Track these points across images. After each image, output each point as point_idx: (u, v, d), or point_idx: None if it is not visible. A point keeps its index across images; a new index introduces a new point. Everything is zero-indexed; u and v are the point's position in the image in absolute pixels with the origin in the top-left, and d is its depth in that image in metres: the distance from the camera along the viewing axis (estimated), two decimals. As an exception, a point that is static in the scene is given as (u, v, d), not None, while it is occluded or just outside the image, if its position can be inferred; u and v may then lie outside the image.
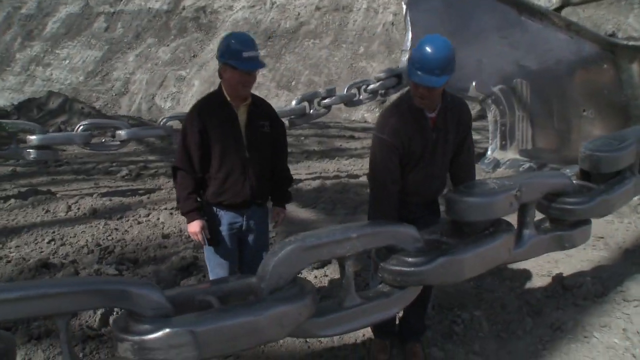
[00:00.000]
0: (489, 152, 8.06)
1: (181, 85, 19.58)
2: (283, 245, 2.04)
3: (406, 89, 2.88)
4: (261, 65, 2.79)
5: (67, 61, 20.80)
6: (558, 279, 3.85)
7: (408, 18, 7.45)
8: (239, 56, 2.70)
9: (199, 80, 19.77)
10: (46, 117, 10.71)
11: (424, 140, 2.68)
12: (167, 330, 1.78)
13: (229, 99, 2.85)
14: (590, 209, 2.82)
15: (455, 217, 2.41)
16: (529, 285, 3.84)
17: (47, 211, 5.28)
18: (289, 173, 3.19)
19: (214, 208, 2.96)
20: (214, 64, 20.67)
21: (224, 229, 2.97)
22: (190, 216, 2.90)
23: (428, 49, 2.49)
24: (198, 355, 1.79)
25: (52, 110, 10.86)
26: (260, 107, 2.98)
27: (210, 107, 2.88)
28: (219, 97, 2.89)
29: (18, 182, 6.52)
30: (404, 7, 7.42)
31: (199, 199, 2.95)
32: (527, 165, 7.46)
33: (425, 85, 2.52)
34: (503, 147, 7.98)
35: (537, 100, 7.94)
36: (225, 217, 2.96)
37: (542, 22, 7.73)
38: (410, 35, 7.32)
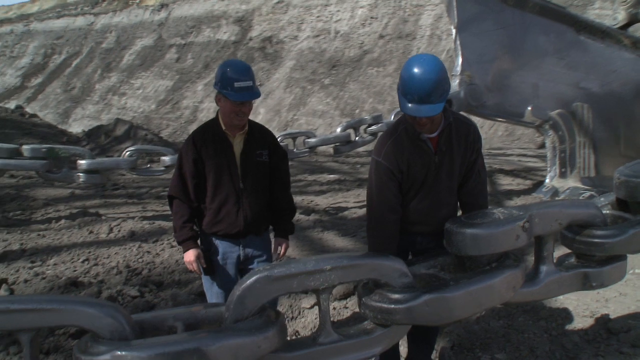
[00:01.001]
0: (547, 180, 7.56)
1: (247, 113, 20.09)
2: (251, 274, 1.93)
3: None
4: (254, 95, 2.73)
5: (141, 90, 22.06)
6: (603, 320, 3.44)
7: (458, 42, 7.21)
8: (231, 86, 2.65)
9: (265, 108, 20.30)
10: (112, 143, 11.30)
11: (426, 164, 2.50)
12: (116, 353, 1.72)
13: (224, 127, 2.81)
14: (621, 243, 2.48)
15: (454, 250, 2.20)
16: (567, 326, 3.46)
17: (91, 232, 5.47)
18: (291, 203, 3.09)
19: (211, 238, 2.92)
20: (279, 93, 21.20)
21: (220, 258, 2.90)
22: (185, 245, 2.86)
23: (419, 75, 2.25)
24: None
25: (118, 137, 11.46)
26: (258, 136, 2.91)
27: (205, 136, 2.84)
28: (214, 126, 2.85)
29: (73, 204, 6.84)
30: (454, 30, 7.18)
31: (195, 228, 2.91)
32: (587, 193, 6.91)
33: (423, 117, 2.32)
34: (562, 175, 7.45)
35: (600, 125, 7.39)
36: (222, 247, 2.90)
37: (603, 41, 7.23)
38: (460, 59, 7.08)
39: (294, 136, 7.29)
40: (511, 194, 7.96)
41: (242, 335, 1.80)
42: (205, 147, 2.78)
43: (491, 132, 16.38)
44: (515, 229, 2.17)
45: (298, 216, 6.24)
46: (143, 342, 1.79)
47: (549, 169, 7.61)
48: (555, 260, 2.62)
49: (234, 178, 2.79)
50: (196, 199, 2.83)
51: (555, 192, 7.29)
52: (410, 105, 2.30)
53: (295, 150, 7.29)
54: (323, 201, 7.76)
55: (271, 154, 2.90)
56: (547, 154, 7.66)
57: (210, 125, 2.88)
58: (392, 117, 7.26)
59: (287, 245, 3.06)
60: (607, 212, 2.78)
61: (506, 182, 8.85)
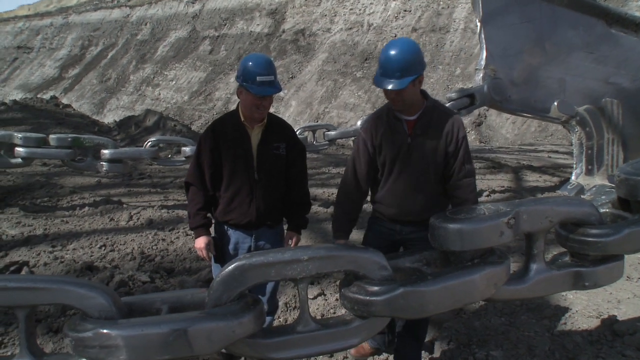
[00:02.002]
0: (572, 177, 7.36)
1: (279, 106, 20.30)
2: (232, 262, 1.99)
3: None
4: (275, 90, 2.78)
5: (174, 82, 22.46)
6: (609, 322, 3.37)
7: (482, 35, 7.08)
8: (253, 80, 2.70)
9: (297, 100, 20.39)
10: (142, 133, 11.58)
11: (397, 143, 2.65)
12: (100, 330, 1.81)
13: (243, 119, 2.87)
14: (616, 243, 2.42)
15: (437, 245, 2.19)
16: (571, 326, 3.40)
17: (111, 219, 5.66)
18: (307, 198, 3.12)
19: (224, 226, 2.98)
20: (311, 86, 21.24)
21: (231, 247, 2.97)
22: (197, 232, 2.94)
23: (389, 52, 2.50)
24: (126, 358, 1.80)
25: (147, 127, 11.74)
26: (276, 129, 2.95)
27: (224, 126, 2.91)
28: (234, 117, 2.92)
29: (98, 192, 7.07)
30: (478, 24, 7.05)
31: (208, 215, 2.98)
32: (614, 192, 6.70)
33: (387, 89, 2.52)
34: (589, 172, 7.25)
35: (631, 121, 7.15)
36: (234, 236, 2.96)
37: (637, 34, 6.98)
38: (484, 53, 6.95)
39: (313, 129, 7.33)
40: (536, 190, 7.80)
41: (217, 319, 1.85)
42: (223, 137, 2.85)
43: (523, 128, 16.03)
44: (500, 225, 2.15)
45: (316, 208, 6.29)
46: (125, 322, 1.87)
47: (575, 166, 7.41)
48: (549, 259, 2.59)
49: (250, 169, 2.85)
50: (212, 187, 2.90)
51: (580, 189, 7.09)
52: (378, 77, 2.56)
53: (315, 142, 7.34)
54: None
55: (289, 148, 2.94)
56: (573, 151, 7.47)
57: (230, 116, 2.94)
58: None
59: (298, 239, 3.07)
60: (607, 210, 2.72)
61: (533, 179, 8.67)
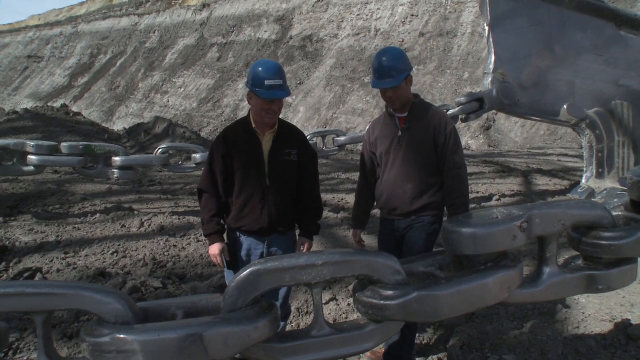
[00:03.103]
0: (583, 180, 7.33)
1: (287, 112, 20.35)
2: (246, 267, 2.01)
3: None
4: (284, 94, 2.79)
5: (182, 89, 22.59)
6: (622, 325, 3.34)
7: (491, 39, 7.08)
8: (262, 84, 2.73)
9: (304, 106, 20.44)
10: (152, 140, 11.66)
11: (389, 137, 2.99)
12: (116, 335, 1.83)
13: (254, 125, 2.88)
14: (629, 246, 2.42)
15: (450, 249, 2.20)
16: (583, 330, 3.38)
17: (123, 226, 5.70)
18: (319, 203, 3.13)
19: (236, 232, 2.99)
20: (319, 91, 21.28)
21: (243, 253, 2.98)
22: (211, 238, 2.95)
23: (381, 58, 2.92)
24: None
25: (157, 134, 11.81)
26: (287, 135, 2.96)
27: (236, 133, 2.93)
28: (245, 123, 2.93)
29: (109, 198, 7.13)
30: (486, 28, 7.06)
31: (221, 222, 3.00)
32: (625, 194, 6.66)
33: (386, 88, 2.89)
34: (599, 175, 7.21)
35: (642, 124, 7.10)
36: (246, 242, 2.97)
37: (646, 36, 6.95)
38: (493, 57, 6.96)
39: (323, 134, 7.34)
40: (546, 194, 7.76)
41: (232, 324, 1.87)
42: (235, 144, 2.87)
43: (532, 131, 15.96)
44: (513, 228, 2.15)
45: (327, 213, 6.30)
46: (141, 327, 1.90)
47: (585, 169, 7.37)
48: (562, 262, 2.59)
49: (261, 175, 2.86)
50: (224, 193, 2.92)
51: (591, 192, 7.06)
52: (374, 81, 2.95)
53: (324, 148, 7.35)
54: (353, 200, 7.79)
55: (300, 154, 2.96)
56: (583, 154, 7.43)
57: (241, 123, 2.97)
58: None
59: (309, 244, 3.07)
60: (619, 213, 2.71)
61: (542, 182, 8.63)
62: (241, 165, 2.88)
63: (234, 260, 2.99)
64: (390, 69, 2.86)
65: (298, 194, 3.01)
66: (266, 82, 2.72)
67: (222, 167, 2.89)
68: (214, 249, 2.93)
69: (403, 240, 3.02)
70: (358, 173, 3.39)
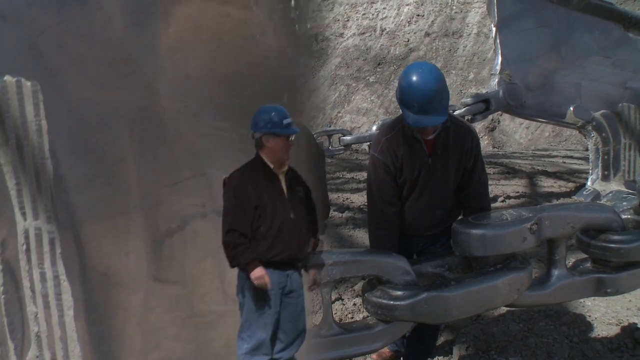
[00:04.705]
0: (588, 183, 7.32)
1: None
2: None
3: None
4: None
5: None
6: (629, 329, 3.34)
7: (498, 40, 7.07)
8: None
9: (309, 106, 20.43)
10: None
11: (418, 165, 2.54)
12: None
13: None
14: (638, 249, 2.43)
15: (460, 250, 2.22)
16: (590, 333, 3.37)
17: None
18: (325, 201, 3.11)
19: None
20: (324, 91, 21.26)
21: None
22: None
23: (424, 88, 2.31)
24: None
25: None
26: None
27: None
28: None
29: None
30: (494, 29, 7.05)
31: None
32: (632, 198, 6.65)
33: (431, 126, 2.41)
34: (605, 178, 7.20)
35: (649, 127, 7.09)
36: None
37: (655, 39, 6.94)
38: (500, 58, 6.95)
39: (329, 134, 7.36)
40: (551, 196, 7.74)
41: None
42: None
43: (537, 133, 15.90)
44: (522, 230, 2.17)
45: (331, 213, 6.29)
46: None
47: (591, 171, 7.36)
48: (571, 265, 2.60)
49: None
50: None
51: (596, 195, 7.05)
52: (413, 115, 2.35)
53: (330, 147, 7.36)
54: (359, 199, 7.76)
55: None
56: (589, 156, 7.42)
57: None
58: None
59: (316, 243, 3.02)
60: (629, 217, 2.72)
61: (547, 185, 8.60)
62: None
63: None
64: (437, 103, 2.34)
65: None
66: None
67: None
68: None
69: (423, 252, 2.74)
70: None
